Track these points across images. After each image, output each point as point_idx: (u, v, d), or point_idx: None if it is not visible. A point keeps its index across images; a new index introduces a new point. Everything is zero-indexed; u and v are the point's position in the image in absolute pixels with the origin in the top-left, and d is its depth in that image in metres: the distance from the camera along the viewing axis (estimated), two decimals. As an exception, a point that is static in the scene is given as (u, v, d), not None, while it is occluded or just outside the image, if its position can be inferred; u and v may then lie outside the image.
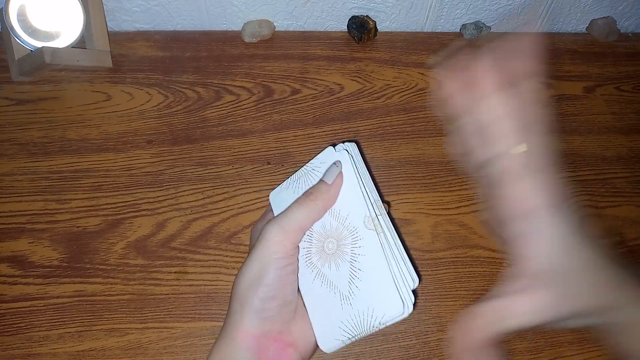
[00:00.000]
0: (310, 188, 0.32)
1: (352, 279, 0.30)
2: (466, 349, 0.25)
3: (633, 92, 0.60)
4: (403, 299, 0.28)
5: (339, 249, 0.31)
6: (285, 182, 0.36)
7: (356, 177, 0.32)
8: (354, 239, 0.31)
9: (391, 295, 0.28)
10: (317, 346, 0.32)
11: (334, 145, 0.34)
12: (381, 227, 0.30)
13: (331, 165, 0.33)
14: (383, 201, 0.32)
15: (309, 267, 0.33)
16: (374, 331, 0.29)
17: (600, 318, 0.28)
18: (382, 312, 0.29)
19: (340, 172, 0.32)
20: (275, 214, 0.35)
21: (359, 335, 0.30)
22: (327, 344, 0.31)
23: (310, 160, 0.35)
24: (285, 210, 0.32)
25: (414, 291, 0.29)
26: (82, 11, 0.53)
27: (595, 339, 0.43)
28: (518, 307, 0.26)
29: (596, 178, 0.53)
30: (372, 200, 0.31)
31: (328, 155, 0.33)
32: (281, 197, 0.35)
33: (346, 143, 0.33)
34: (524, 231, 0.27)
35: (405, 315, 0.28)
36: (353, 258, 0.31)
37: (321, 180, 0.32)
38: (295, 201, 0.32)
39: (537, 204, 0.27)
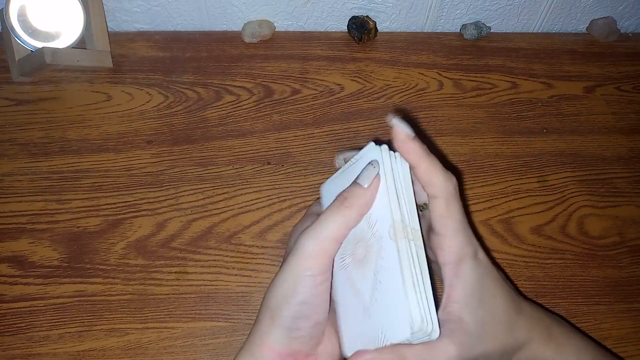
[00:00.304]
0: (344, 191, 0.29)
1: (373, 290, 0.28)
2: None
3: (633, 92, 0.60)
4: (413, 320, 0.26)
5: (366, 256, 0.29)
6: (337, 172, 0.33)
7: (392, 181, 0.29)
8: (379, 248, 0.28)
9: (400, 316, 0.26)
10: None
11: (376, 141, 0.30)
12: (407, 240, 0.27)
13: (367, 166, 0.29)
14: (419, 208, 0.30)
15: (342, 270, 0.31)
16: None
17: (514, 354, 0.31)
18: (391, 331, 0.27)
19: (378, 175, 0.29)
20: (325, 200, 0.33)
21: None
22: (350, 351, 0.30)
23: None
24: (320, 217, 0.29)
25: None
26: (82, 11, 0.53)
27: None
28: (436, 353, 0.27)
29: (596, 178, 0.53)
30: (404, 209, 0.28)
31: (368, 152, 0.30)
32: (331, 190, 0.32)
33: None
34: (450, 279, 0.29)
35: (412, 339, 0.26)
36: (376, 269, 0.28)
37: (355, 183, 0.29)
38: (329, 208, 0.29)
39: (460, 254, 0.29)
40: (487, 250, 0.32)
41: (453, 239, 0.28)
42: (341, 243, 0.30)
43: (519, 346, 0.30)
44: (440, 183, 0.28)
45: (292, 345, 0.28)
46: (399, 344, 0.27)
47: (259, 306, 0.30)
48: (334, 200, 0.29)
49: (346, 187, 0.30)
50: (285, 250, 0.35)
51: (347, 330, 0.30)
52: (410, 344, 0.27)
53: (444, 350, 0.27)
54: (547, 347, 0.32)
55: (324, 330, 0.30)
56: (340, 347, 0.31)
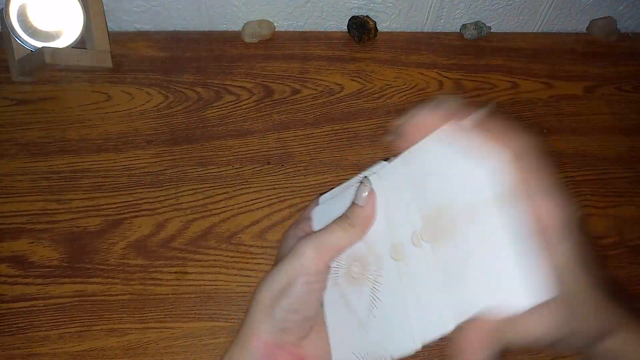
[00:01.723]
0: (347, 211, 0.31)
1: (370, 307, 0.29)
2: (470, 350, 0.25)
3: (633, 92, 0.60)
4: (415, 340, 0.27)
5: (363, 274, 0.30)
6: (336, 189, 0.34)
7: (385, 199, 0.29)
8: (378, 267, 0.29)
9: (404, 335, 0.27)
10: None
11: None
12: (408, 260, 0.27)
13: (360, 185, 0.30)
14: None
15: (334, 287, 0.32)
16: None
17: (595, 342, 0.28)
18: (393, 349, 0.28)
19: (371, 191, 0.30)
20: (314, 223, 0.34)
21: None
22: None
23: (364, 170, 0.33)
24: (324, 229, 0.30)
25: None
26: (82, 11, 0.53)
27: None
28: (526, 323, 0.25)
29: (597, 178, 0.53)
30: (407, 229, 0.28)
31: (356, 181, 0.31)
32: (329, 208, 0.33)
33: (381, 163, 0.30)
34: (549, 243, 0.26)
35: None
36: (374, 287, 0.29)
37: (353, 204, 0.30)
38: (335, 222, 0.30)
39: (551, 222, 0.26)
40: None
41: (544, 200, 0.26)
42: (340, 252, 0.31)
43: (607, 332, 0.28)
44: (514, 142, 0.25)
45: (281, 337, 0.30)
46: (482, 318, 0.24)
47: (259, 306, 0.31)
48: (339, 217, 0.30)
49: (339, 208, 0.31)
50: (278, 251, 0.35)
51: (338, 346, 0.31)
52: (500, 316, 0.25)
53: (539, 319, 0.25)
54: (638, 338, 0.29)
55: (313, 326, 0.31)
56: (325, 342, 0.32)
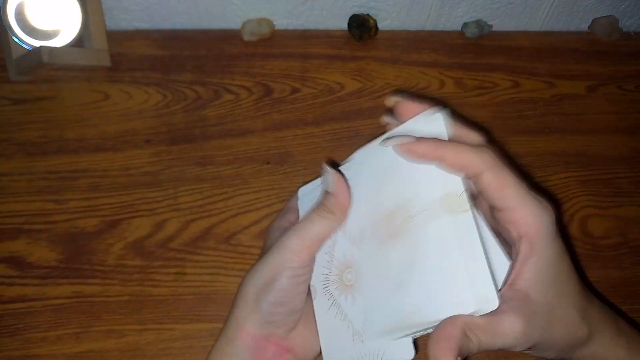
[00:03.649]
0: (322, 199, 0.31)
1: (365, 315, 0.29)
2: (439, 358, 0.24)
3: (636, 91, 0.60)
4: (409, 348, 0.27)
5: (357, 282, 0.30)
6: (316, 180, 0.34)
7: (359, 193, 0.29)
8: (366, 271, 0.29)
9: (400, 344, 0.27)
10: (316, 356, 0.32)
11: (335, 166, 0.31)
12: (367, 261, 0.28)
13: (325, 174, 0.31)
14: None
15: (325, 295, 0.31)
16: None
17: (572, 350, 0.28)
18: (388, 358, 0.27)
19: (339, 176, 0.30)
20: (301, 214, 0.34)
21: None
22: None
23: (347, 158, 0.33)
24: (304, 219, 0.31)
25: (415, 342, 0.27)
26: (80, 10, 0.53)
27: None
28: (500, 327, 0.24)
29: (599, 178, 0.52)
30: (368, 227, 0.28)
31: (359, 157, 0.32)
32: (311, 197, 0.33)
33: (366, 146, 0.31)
34: (522, 253, 0.26)
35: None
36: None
37: (325, 191, 0.31)
38: (314, 211, 0.31)
39: (530, 229, 0.26)
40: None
41: (521, 208, 0.25)
42: (323, 242, 0.31)
43: (586, 339, 0.28)
44: (472, 159, 0.25)
45: (267, 329, 0.30)
46: (458, 315, 0.24)
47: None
48: (317, 206, 0.31)
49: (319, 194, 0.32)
50: (264, 244, 0.36)
51: (330, 351, 0.31)
52: (472, 316, 0.24)
53: (509, 326, 0.24)
54: (617, 343, 0.29)
55: (299, 318, 0.31)
56: (313, 333, 0.32)
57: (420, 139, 0.26)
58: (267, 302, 0.30)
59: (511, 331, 0.24)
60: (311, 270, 0.32)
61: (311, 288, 0.32)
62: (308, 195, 0.34)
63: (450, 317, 0.24)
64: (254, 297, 0.30)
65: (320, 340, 0.32)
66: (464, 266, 0.24)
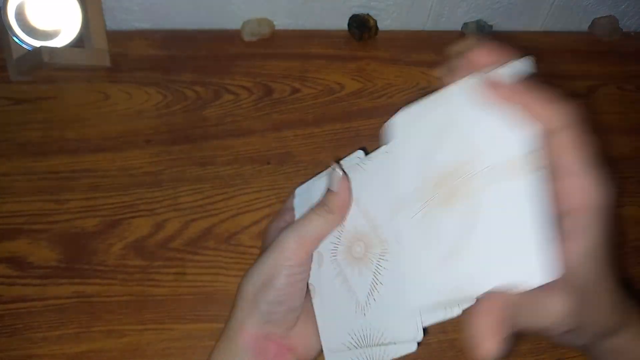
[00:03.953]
0: (323, 198, 0.31)
1: (371, 290, 0.29)
2: (481, 334, 0.22)
3: (636, 91, 0.60)
4: (418, 330, 0.26)
5: (365, 255, 0.29)
6: (312, 179, 0.34)
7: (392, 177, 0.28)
8: (383, 250, 0.29)
9: (407, 324, 0.26)
10: (317, 355, 0.32)
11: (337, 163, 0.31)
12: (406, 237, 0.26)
13: (332, 172, 0.31)
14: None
15: (332, 264, 0.31)
16: (379, 354, 0.28)
17: (603, 338, 0.27)
18: (392, 336, 0.27)
19: (344, 176, 0.30)
20: (297, 214, 0.34)
21: (364, 350, 0.29)
22: (331, 345, 0.30)
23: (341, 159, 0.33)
24: (303, 217, 0.31)
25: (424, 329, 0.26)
26: (80, 10, 0.53)
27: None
28: (538, 307, 0.23)
29: (599, 178, 0.52)
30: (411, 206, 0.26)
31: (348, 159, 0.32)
32: (307, 196, 0.33)
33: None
34: (574, 227, 0.23)
35: (413, 349, 0.26)
36: (377, 270, 0.29)
37: (328, 189, 0.31)
38: (313, 210, 0.31)
39: (583, 203, 0.23)
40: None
41: (586, 178, 0.23)
42: (321, 241, 0.31)
43: (614, 330, 0.26)
44: (557, 111, 0.23)
45: (267, 329, 0.30)
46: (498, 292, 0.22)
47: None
48: (316, 205, 0.31)
49: (320, 196, 0.31)
50: (262, 244, 0.36)
51: (328, 324, 0.31)
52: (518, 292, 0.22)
53: (556, 305, 0.23)
54: None
55: (299, 316, 0.31)
56: (313, 331, 0.32)
57: (503, 81, 0.23)
58: (265, 301, 0.30)
59: (554, 309, 0.23)
60: (309, 269, 0.32)
61: (310, 286, 0.32)
62: (304, 194, 0.34)
63: (495, 293, 0.22)
64: (252, 297, 0.30)
65: (317, 310, 0.31)
66: (529, 234, 0.21)
